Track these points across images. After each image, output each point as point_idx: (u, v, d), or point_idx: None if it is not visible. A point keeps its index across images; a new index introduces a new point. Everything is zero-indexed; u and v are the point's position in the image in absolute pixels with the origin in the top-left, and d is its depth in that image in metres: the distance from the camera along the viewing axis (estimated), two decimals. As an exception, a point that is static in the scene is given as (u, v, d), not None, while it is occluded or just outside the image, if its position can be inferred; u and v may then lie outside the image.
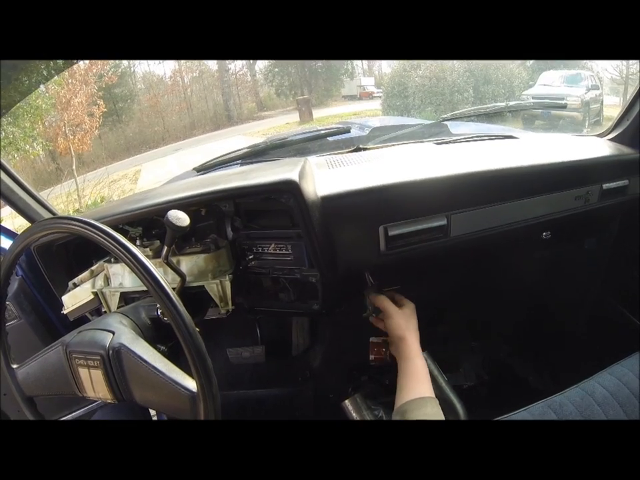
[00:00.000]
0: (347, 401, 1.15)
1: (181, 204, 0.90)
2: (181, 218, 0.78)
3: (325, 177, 1.04)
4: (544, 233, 1.27)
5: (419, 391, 0.87)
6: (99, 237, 0.67)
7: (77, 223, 0.69)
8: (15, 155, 6.82)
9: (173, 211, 0.79)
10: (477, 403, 1.18)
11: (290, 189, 0.88)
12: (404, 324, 0.98)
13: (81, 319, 1.05)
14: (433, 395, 0.87)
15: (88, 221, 0.68)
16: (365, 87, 11.67)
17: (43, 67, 1.09)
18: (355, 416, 1.14)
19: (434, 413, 0.83)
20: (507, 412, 1.00)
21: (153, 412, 1.38)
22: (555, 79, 6.68)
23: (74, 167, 7.82)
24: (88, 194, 7.45)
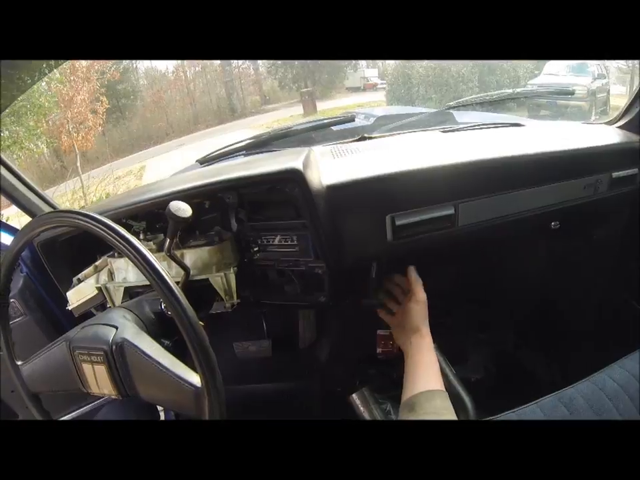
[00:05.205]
0: (354, 395, 1.14)
1: (183, 195, 0.89)
2: (182, 209, 0.77)
3: (330, 166, 1.03)
4: (552, 223, 1.26)
5: (429, 384, 0.86)
6: (100, 230, 0.66)
7: (78, 216, 0.68)
8: (20, 154, 6.83)
9: (174, 202, 0.77)
10: (485, 396, 1.17)
11: (294, 178, 0.86)
12: (422, 314, 0.98)
13: (86, 315, 1.04)
14: (443, 389, 0.86)
15: (88, 213, 0.67)
16: (369, 78, 11.58)
17: (44, 65, 1.08)
18: (362, 410, 1.13)
19: (443, 406, 0.82)
20: (516, 405, 0.99)
21: (160, 408, 1.38)
22: (561, 68, 6.60)
23: (78, 165, 7.82)
24: (93, 191, 7.45)
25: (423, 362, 0.91)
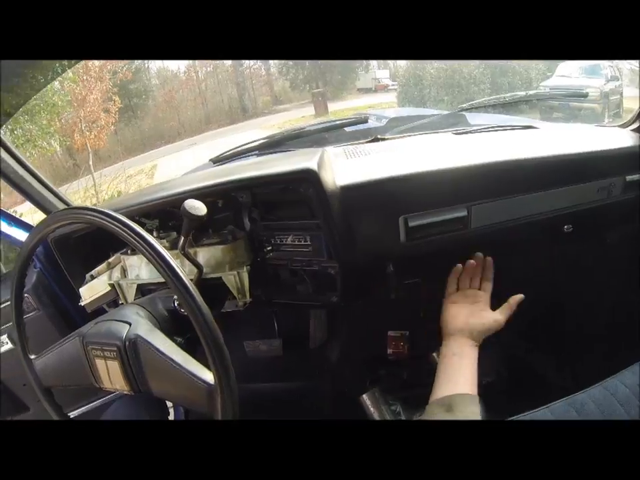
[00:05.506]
0: (364, 395, 1.14)
1: (197, 194, 0.89)
2: (197, 207, 0.77)
3: (343, 167, 1.03)
4: (565, 226, 1.24)
5: (471, 388, 0.86)
6: (115, 227, 0.66)
7: (93, 213, 0.68)
8: (33, 152, 6.89)
9: (189, 200, 0.77)
10: (496, 399, 1.16)
11: (309, 179, 0.86)
12: (487, 332, 1.00)
13: (98, 311, 1.05)
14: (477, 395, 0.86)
15: (103, 210, 0.68)
16: (380, 79, 11.51)
17: (57, 64, 1.09)
18: (372, 410, 1.13)
19: (478, 412, 0.82)
20: (526, 409, 0.98)
21: (169, 404, 1.39)
22: (573, 70, 6.50)
23: (90, 163, 7.89)
24: (105, 189, 7.51)
25: (471, 366, 0.91)
